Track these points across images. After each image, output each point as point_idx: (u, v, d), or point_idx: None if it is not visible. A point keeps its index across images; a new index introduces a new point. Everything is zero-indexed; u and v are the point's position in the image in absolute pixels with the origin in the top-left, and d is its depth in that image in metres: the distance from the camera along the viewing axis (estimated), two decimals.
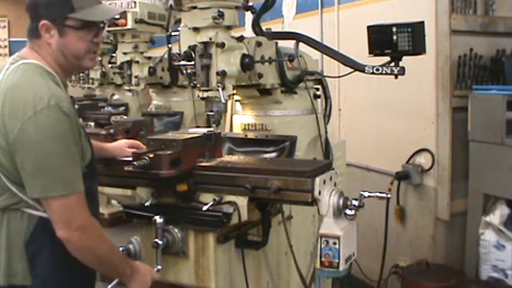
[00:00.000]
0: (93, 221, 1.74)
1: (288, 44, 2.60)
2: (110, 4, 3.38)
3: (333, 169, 1.98)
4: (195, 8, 2.10)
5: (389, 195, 2.10)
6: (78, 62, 1.86)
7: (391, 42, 2.25)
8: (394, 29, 2.23)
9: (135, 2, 3.47)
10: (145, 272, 1.89)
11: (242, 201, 1.91)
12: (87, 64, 1.90)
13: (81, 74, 5.68)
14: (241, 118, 2.64)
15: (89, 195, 1.92)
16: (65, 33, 1.79)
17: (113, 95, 5.35)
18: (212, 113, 2.19)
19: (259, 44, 2.34)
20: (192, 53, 2.13)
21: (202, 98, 2.17)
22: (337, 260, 1.81)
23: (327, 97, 2.77)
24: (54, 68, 1.82)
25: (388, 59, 2.31)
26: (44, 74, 1.76)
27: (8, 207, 1.74)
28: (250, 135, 2.56)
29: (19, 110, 1.64)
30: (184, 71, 2.29)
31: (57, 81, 1.79)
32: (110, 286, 1.90)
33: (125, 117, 3.92)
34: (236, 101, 2.67)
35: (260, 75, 2.35)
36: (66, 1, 1.77)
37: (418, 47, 2.24)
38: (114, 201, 4.89)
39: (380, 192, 1.93)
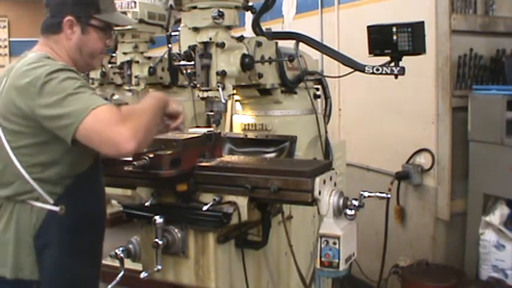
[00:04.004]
0: (120, 113, 1.67)
1: (288, 44, 2.60)
2: None
3: (333, 169, 1.98)
4: (195, 8, 2.10)
5: (389, 195, 2.10)
6: (91, 60, 1.98)
7: (391, 42, 2.25)
8: (394, 29, 2.23)
9: (135, 2, 3.47)
10: (163, 95, 1.96)
11: (242, 201, 1.91)
12: (96, 64, 2.05)
13: (81, 74, 5.66)
14: (241, 118, 2.64)
15: (95, 194, 1.96)
16: (87, 31, 1.92)
17: (113, 95, 5.34)
18: (212, 113, 2.19)
19: (259, 44, 2.33)
20: (192, 53, 2.13)
21: (202, 98, 2.17)
22: (337, 260, 1.81)
23: (327, 97, 2.77)
24: (67, 63, 1.87)
25: (388, 59, 2.31)
26: (50, 59, 1.81)
27: (19, 197, 1.77)
28: (250, 135, 2.56)
29: (30, 84, 1.69)
30: (184, 71, 2.29)
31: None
32: (110, 286, 1.90)
33: None
34: (236, 101, 2.67)
35: (260, 75, 2.35)
36: (94, 2, 1.91)
37: (418, 47, 2.24)
38: (114, 201, 4.90)
39: (380, 192, 1.93)
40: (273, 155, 2.45)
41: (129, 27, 3.44)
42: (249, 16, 2.56)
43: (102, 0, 1.94)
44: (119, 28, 3.46)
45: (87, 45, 1.93)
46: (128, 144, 1.60)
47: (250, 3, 2.29)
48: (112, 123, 1.62)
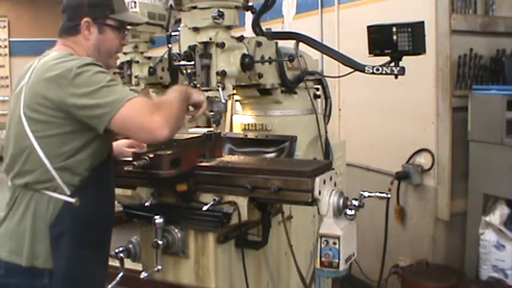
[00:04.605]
0: (153, 104, 1.80)
1: (288, 44, 2.60)
2: None
3: (333, 169, 1.98)
4: (195, 8, 2.10)
5: (389, 195, 2.10)
6: (108, 59, 2.06)
7: (391, 42, 2.25)
8: (394, 29, 2.23)
9: (135, 2, 3.46)
10: (185, 87, 2.07)
11: (242, 201, 1.91)
12: (113, 63, 2.14)
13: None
14: (241, 118, 2.64)
15: (106, 189, 2.01)
16: (104, 31, 2.01)
17: None
18: (212, 113, 2.19)
19: (259, 44, 2.33)
20: (192, 53, 2.13)
21: None
22: (337, 260, 1.81)
23: (327, 97, 2.77)
24: None
25: (388, 59, 2.31)
26: (74, 56, 1.90)
27: (37, 185, 1.82)
28: (250, 135, 2.56)
29: (61, 76, 1.76)
30: (184, 71, 2.29)
31: None
32: (110, 286, 1.90)
33: None
34: (236, 101, 2.67)
35: (260, 75, 2.35)
36: (108, 3, 2.01)
37: (418, 47, 2.24)
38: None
39: (380, 192, 1.93)
40: (273, 155, 2.45)
41: (129, 27, 3.44)
42: (249, 16, 2.56)
43: (116, 0, 2.03)
44: None
45: (104, 44, 2.02)
46: (162, 130, 1.73)
47: (250, 3, 2.29)
48: (147, 112, 1.74)
